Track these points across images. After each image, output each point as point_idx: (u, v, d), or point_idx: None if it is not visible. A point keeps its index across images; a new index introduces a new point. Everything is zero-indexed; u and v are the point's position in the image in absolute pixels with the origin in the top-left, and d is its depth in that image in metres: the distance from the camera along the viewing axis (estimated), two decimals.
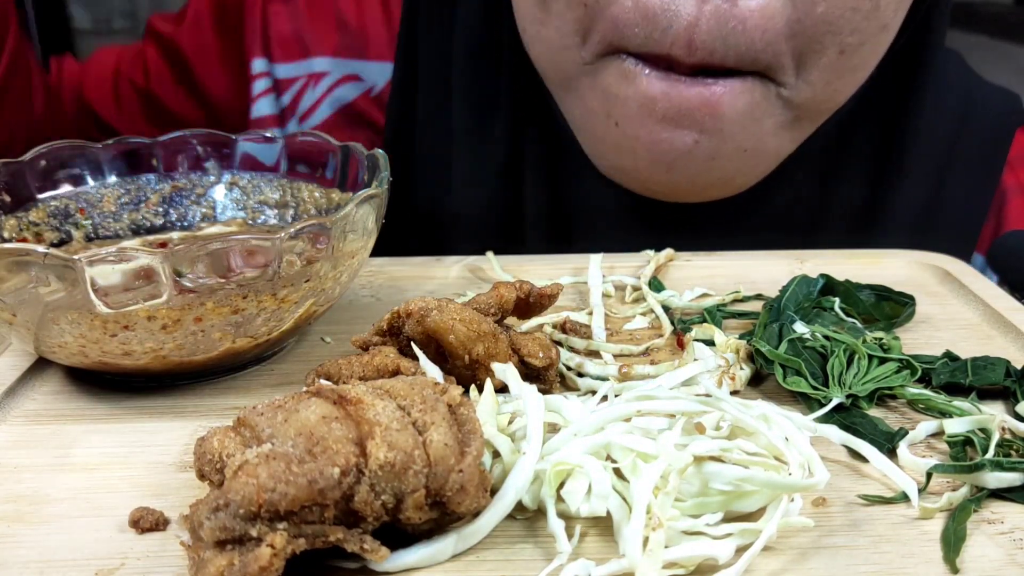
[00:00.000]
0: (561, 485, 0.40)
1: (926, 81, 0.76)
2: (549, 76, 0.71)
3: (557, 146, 0.78)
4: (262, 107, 0.89)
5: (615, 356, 0.55)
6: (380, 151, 0.56)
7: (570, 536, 0.38)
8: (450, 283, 0.67)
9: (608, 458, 0.41)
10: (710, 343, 0.55)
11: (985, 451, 0.44)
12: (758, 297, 0.64)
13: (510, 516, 0.40)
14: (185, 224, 0.63)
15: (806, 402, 0.50)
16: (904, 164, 0.78)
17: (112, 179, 0.62)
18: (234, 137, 0.64)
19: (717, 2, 0.58)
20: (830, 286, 0.61)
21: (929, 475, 0.43)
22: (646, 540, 0.37)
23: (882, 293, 0.60)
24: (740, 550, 0.38)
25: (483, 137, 0.80)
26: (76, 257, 0.43)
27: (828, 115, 0.69)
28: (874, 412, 0.50)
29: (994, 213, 0.82)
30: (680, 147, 0.65)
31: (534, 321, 0.58)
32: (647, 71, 0.62)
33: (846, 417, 0.48)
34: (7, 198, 0.57)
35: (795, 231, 0.80)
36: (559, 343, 0.56)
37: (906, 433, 0.46)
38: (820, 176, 0.78)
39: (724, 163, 0.66)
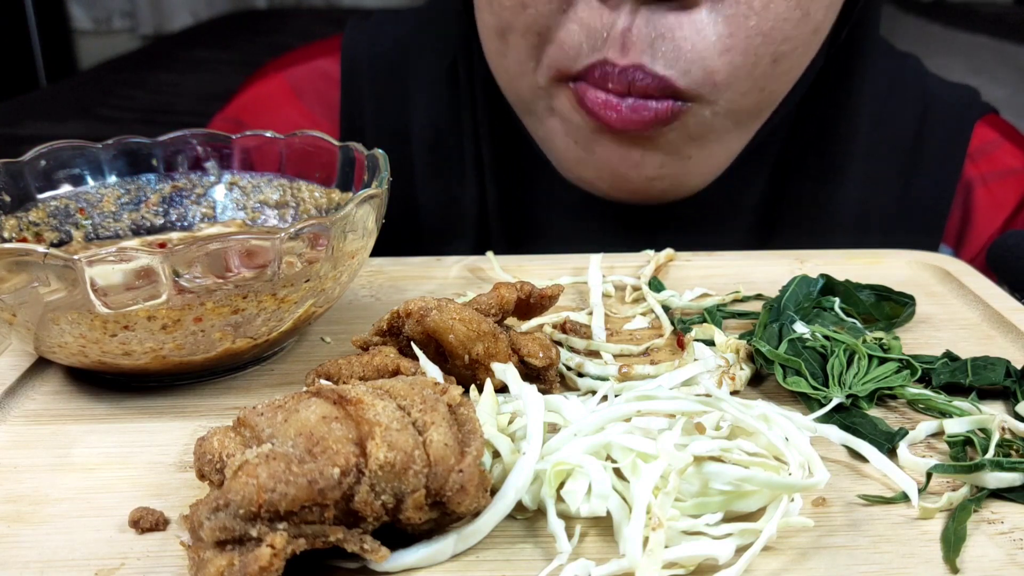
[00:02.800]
0: (561, 485, 0.40)
1: (860, 80, 0.79)
2: (512, 100, 0.75)
3: (516, 148, 0.81)
4: None
5: (615, 356, 0.55)
6: (380, 151, 0.56)
7: (570, 536, 0.38)
8: (450, 283, 0.67)
9: (608, 458, 0.41)
10: (710, 343, 0.55)
11: (985, 451, 0.44)
12: (758, 297, 0.64)
13: (510, 516, 0.40)
14: (185, 224, 0.63)
15: (806, 402, 0.50)
16: (851, 161, 0.80)
17: (112, 179, 0.62)
18: (234, 137, 0.64)
19: (648, 14, 0.61)
20: (830, 286, 0.61)
21: (929, 475, 0.43)
22: (646, 540, 0.37)
23: (882, 293, 0.60)
24: (740, 550, 0.38)
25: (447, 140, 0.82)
26: (76, 257, 0.43)
27: (770, 111, 0.72)
28: (874, 412, 0.50)
29: (960, 205, 0.85)
30: (630, 162, 0.69)
31: (534, 321, 0.58)
32: (592, 91, 0.65)
33: (846, 417, 0.48)
34: (7, 198, 0.57)
35: (756, 231, 0.83)
36: (559, 343, 0.56)
37: (906, 433, 0.46)
38: (772, 176, 0.81)
39: (672, 169, 0.71)
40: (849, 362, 0.52)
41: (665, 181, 0.71)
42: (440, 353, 0.48)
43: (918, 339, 0.58)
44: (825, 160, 0.80)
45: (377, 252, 0.61)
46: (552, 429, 0.44)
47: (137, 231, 0.62)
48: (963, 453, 0.46)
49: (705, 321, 0.59)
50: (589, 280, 0.64)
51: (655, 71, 0.62)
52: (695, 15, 0.61)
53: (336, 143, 0.61)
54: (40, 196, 0.59)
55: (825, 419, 0.47)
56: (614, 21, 0.62)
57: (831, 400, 0.49)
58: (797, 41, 0.64)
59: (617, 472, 0.41)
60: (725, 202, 0.80)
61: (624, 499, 0.39)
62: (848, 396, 0.49)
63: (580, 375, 0.53)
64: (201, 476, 0.39)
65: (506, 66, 0.70)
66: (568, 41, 0.64)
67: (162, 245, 0.58)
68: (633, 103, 0.64)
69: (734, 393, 0.51)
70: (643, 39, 0.61)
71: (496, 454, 0.42)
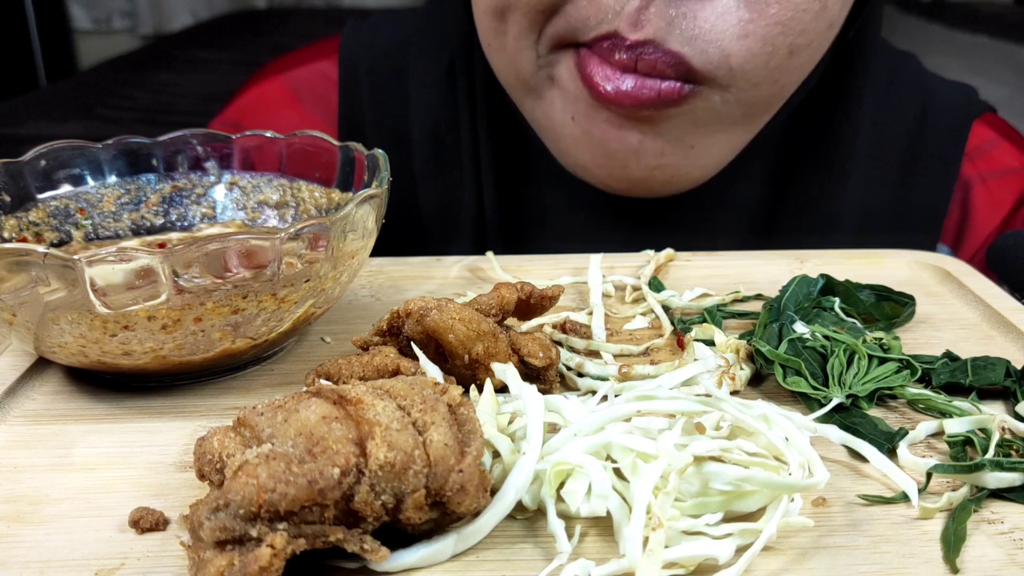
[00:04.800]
0: (561, 485, 0.40)
1: (861, 79, 0.79)
2: (511, 83, 0.73)
3: (515, 148, 0.80)
4: None
5: (615, 356, 0.55)
6: (380, 151, 0.56)
7: (570, 536, 0.38)
8: (450, 283, 0.67)
9: (608, 458, 0.41)
10: (710, 343, 0.55)
11: (985, 451, 0.44)
12: (758, 297, 0.64)
13: (510, 516, 0.40)
14: (185, 224, 0.63)
15: (806, 402, 0.50)
16: (851, 160, 0.80)
17: (112, 179, 0.62)
18: (234, 137, 0.64)
19: None
20: (830, 286, 0.61)
21: (929, 475, 0.43)
22: (646, 540, 0.37)
23: (882, 293, 0.60)
24: (740, 550, 0.38)
25: (445, 140, 0.82)
26: (76, 257, 0.43)
27: (777, 107, 0.71)
28: (874, 412, 0.50)
29: (958, 204, 0.85)
30: (628, 145, 0.68)
31: (534, 321, 0.58)
32: (595, 59, 0.64)
33: (846, 417, 0.48)
34: (7, 198, 0.57)
35: (755, 230, 0.83)
36: (559, 343, 0.56)
37: (906, 433, 0.46)
38: (771, 175, 0.81)
39: (674, 159, 0.70)
40: (849, 362, 0.52)
41: (666, 171, 0.70)
42: (440, 353, 0.48)
43: (918, 339, 0.58)
44: (824, 159, 0.80)
45: (377, 252, 0.61)
46: (552, 429, 0.44)
47: (137, 231, 0.62)
48: (963, 453, 0.46)
49: (705, 321, 0.59)
50: (589, 280, 0.64)
51: (669, 47, 0.61)
52: (716, 0, 0.61)
53: (336, 143, 0.61)
54: (40, 196, 0.59)
55: (825, 419, 0.47)
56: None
57: (831, 400, 0.49)
58: (813, 34, 0.64)
59: (617, 472, 0.40)
60: (725, 202, 0.80)
61: (624, 499, 0.39)
62: (848, 396, 0.49)
63: (580, 375, 0.53)
64: (201, 476, 0.39)
65: (503, 45, 0.69)
66: (576, 14, 0.63)
67: (162, 245, 0.58)
68: (635, 81, 0.63)
69: (734, 393, 0.51)
70: (661, 16, 0.61)
71: (496, 454, 0.42)
